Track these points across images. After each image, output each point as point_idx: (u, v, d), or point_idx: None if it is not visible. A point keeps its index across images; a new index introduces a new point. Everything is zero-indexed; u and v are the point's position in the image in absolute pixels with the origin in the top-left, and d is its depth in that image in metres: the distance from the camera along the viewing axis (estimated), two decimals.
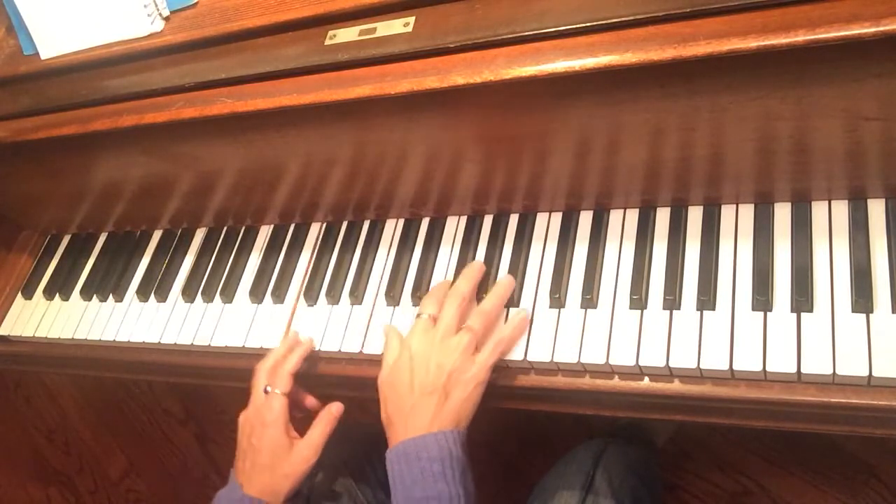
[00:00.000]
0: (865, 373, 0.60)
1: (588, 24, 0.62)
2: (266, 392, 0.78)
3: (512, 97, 0.67)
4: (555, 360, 0.71)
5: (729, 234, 0.72)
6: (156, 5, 0.82)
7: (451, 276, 0.82)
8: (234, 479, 0.77)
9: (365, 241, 0.89)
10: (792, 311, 0.66)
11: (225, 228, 0.99)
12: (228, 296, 0.92)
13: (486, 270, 0.80)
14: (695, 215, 0.75)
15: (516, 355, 0.73)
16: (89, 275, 1.04)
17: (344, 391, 0.78)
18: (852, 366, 0.61)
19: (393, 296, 0.83)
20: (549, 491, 0.83)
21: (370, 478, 0.91)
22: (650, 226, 0.76)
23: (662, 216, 0.76)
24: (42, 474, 1.88)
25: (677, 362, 0.67)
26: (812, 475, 1.21)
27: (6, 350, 1.06)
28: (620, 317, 0.72)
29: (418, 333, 0.73)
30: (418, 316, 0.75)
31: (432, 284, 0.82)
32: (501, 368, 0.74)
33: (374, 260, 0.87)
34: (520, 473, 1.36)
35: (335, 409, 0.79)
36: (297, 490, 0.75)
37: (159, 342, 0.92)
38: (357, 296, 0.85)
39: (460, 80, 0.65)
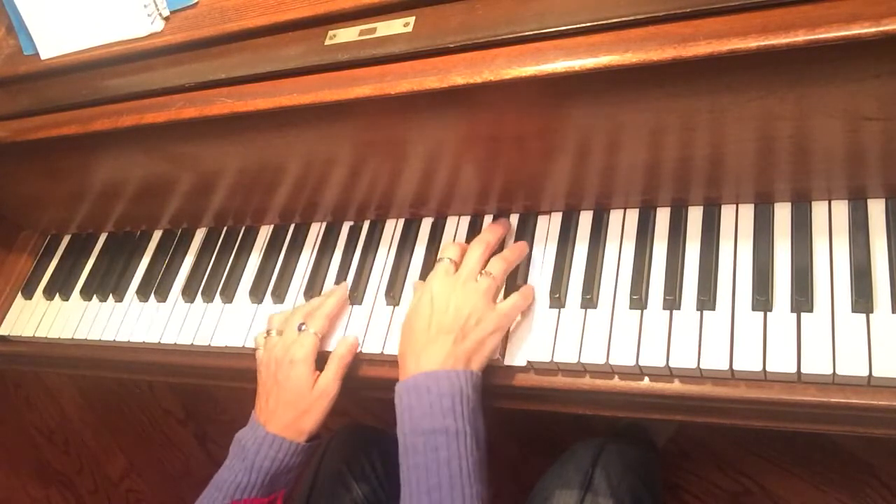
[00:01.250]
0: (865, 373, 0.60)
1: (588, 24, 0.62)
2: (300, 330, 0.78)
3: (512, 97, 0.67)
4: (555, 360, 0.71)
5: (729, 234, 0.72)
6: (156, 5, 0.82)
7: None
8: (254, 419, 0.77)
9: (365, 242, 0.89)
10: (792, 311, 0.66)
11: (225, 228, 0.99)
12: (228, 296, 0.92)
13: None
14: (695, 215, 0.75)
15: (518, 360, 0.73)
16: (89, 275, 1.04)
17: (343, 390, 0.78)
18: (852, 366, 0.61)
19: (393, 296, 0.83)
20: (548, 490, 0.83)
21: (370, 478, 0.91)
22: (650, 226, 0.76)
23: (662, 216, 0.76)
24: (42, 474, 1.88)
25: (677, 362, 0.67)
26: (812, 475, 1.21)
27: (6, 350, 1.06)
28: (620, 317, 0.72)
29: (440, 275, 0.73)
30: (440, 259, 0.75)
31: None
32: (501, 368, 0.74)
33: (374, 260, 0.87)
34: (519, 474, 1.36)
35: (350, 339, 0.79)
36: (318, 429, 0.76)
37: (159, 342, 0.92)
38: (357, 296, 0.85)
39: (460, 80, 0.65)
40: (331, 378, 0.76)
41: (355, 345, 0.80)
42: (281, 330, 0.80)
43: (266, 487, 0.73)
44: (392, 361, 0.80)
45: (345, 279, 0.87)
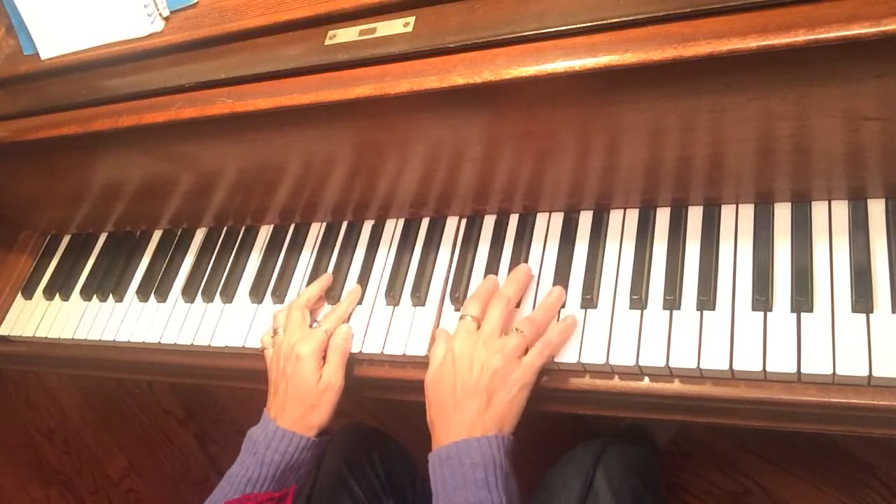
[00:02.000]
0: (865, 373, 0.60)
1: (588, 24, 0.62)
2: (311, 327, 0.80)
3: (512, 97, 0.67)
4: (555, 360, 0.71)
5: (729, 234, 0.72)
6: (156, 5, 0.82)
7: (450, 277, 0.82)
8: (266, 415, 0.77)
9: (365, 241, 0.89)
10: (792, 311, 0.66)
11: (225, 228, 0.99)
12: (228, 296, 0.92)
13: (488, 271, 0.80)
14: (695, 215, 0.75)
15: None
16: (89, 275, 1.04)
17: (344, 390, 0.78)
18: (852, 366, 0.61)
19: (393, 296, 0.83)
20: (549, 492, 0.83)
21: (370, 478, 0.91)
22: (650, 226, 0.76)
23: (662, 216, 0.76)
24: (42, 474, 1.88)
25: (677, 362, 0.67)
26: (812, 475, 1.21)
27: (6, 350, 1.06)
28: (620, 317, 0.72)
29: (462, 334, 0.72)
30: (462, 318, 0.74)
31: (432, 284, 0.82)
32: None
33: (374, 260, 0.87)
34: (519, 474, 1.36)
35: (345, 329, 0.80)
36: (328, 423, 0.76)
37: (159, 342, 0.92)
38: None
39: (460, 80, 0.65)
40: (333, 370, 0.77)
41: (350, 334, 0.81)
42: (286, 327, 0.81)
43: (277, 482, 0.73)
44: (392, 361, 0.80)
45: (345, 279, 0.87)
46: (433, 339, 0.77)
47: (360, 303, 0.85)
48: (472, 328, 0.72)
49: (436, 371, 0.72)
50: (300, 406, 0.75)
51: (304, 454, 0.75)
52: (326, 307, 0.86)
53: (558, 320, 0.73)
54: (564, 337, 0.71)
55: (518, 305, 0.76)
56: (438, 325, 0.79)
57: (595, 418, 0.75)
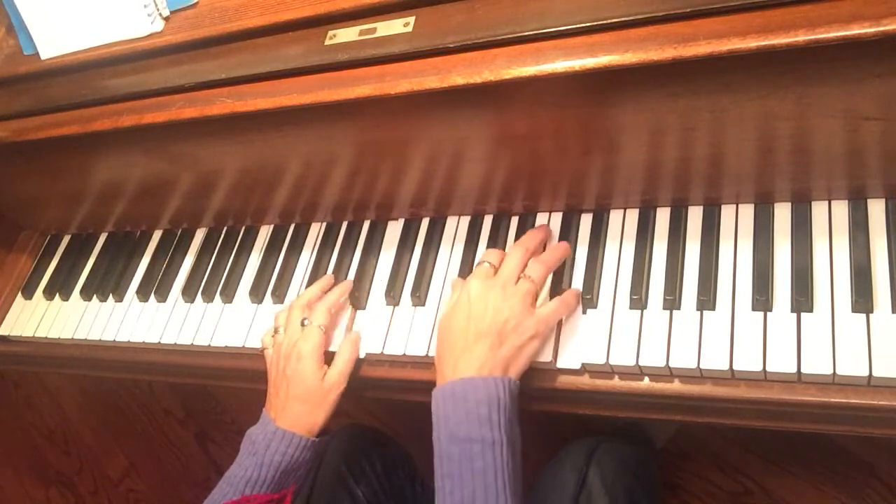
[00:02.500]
0: (865, 373, 0.60)
1: (588, 24, 0.62)
2: (303, 325, 0.79)
3: (512, 97, 0.67)
4: (556, 361, 0.71)
5: (729, 234, 0.72)
6: (156, 5, 0.82)
7: (451, 277, 0.82)
8: (265, 415, 0.77)
9: (365, 241, 0.89)
10: (792, 311, 0.66)
11: (225, 228, 0.99)
12: (228, 296, 0.92)
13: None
14: (695, 215, 0.75)
15: None
16: (89, 275, 1.04)
17: (344, 391, 0.78)
18: (852, 366, 0.61)
19: (393, 296, 0.83)
20: (543, 490, 0.83)
21: (370, 478, 0.91)
22: (650, 226, 0.76)
23: (662, 216, 0.76)
24: (42, 474, 1.88)
25: (677, 362, 0.67)
26: (812, 475, 1.21)
27: (6, 350, 1.06)
28: (620, 317, 0.72)
29: (478, 278, 0.72)
30: (479, 264, 0.74)
31: (432, 284, 0.82)
32: None
33: (373, 260, 0.87)
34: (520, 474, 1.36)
35: (354, 335, 0.80)
36: (327, 424, 0.76)
37: (159, 342, 0.92)
38: (357, 296, 0.85)
39: (460, 80, 0.65)
40: (338, 372, 0.77)
41: (359, 339, 0.80)
42: (286, 326, 0.80)
43: (276, 483, 0.73)
44: (391, 361, 0.80)
45: (345, 279, 0.87)
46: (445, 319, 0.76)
47: (360, 303, 0.85)
48: (489, 273, 0.72)
49: (449, 312, 0.72)
50: (301, 406, 0.75)
51: (303, 454, 0.75)
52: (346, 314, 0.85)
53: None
54: (578, 300, 0.73)
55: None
56: (435, 325, 0.79)
57: (595, 418, 0.75)
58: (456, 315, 0.70)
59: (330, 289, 0.85)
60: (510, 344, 0.68)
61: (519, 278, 0.71)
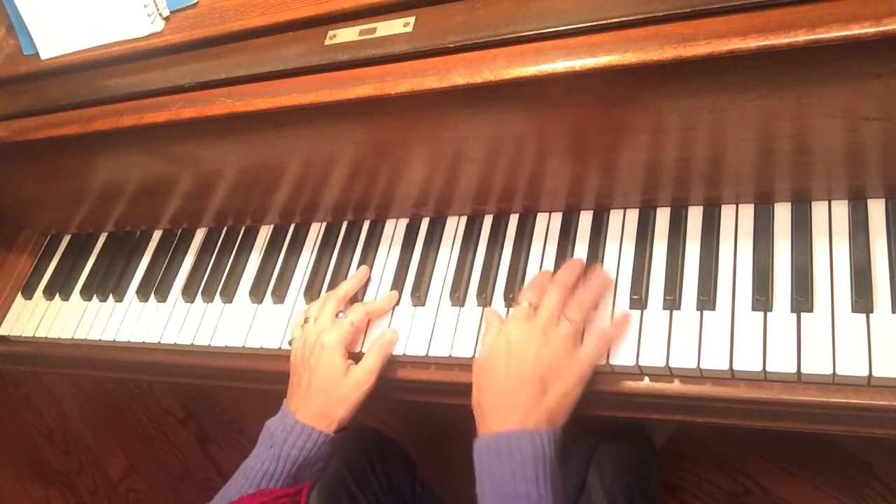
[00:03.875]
0: (865, 373, 0.60)
1: (588, 24, 0.62)
2: (337, 316, 0.78)
3: (512, 97, 0.67)
4: None
5: (729, 234, 0.72)
6: (156, 5, 0.82)
7: (450, 277, 0.82)
8: (285, 406, 0.76)
9: (365, 241, 0.89)
10: (792, 311, 0.66)
11: (225, 228, 0.99)
12: (228, 296, 0.92)
13: (487, 271, 0.80)
14: (695, 215, 0.75)
15: None
16: (89, 275, 1.04)
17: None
18: (852, 366, 0.61)
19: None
20: None
21: (370, 479, 0.91)
22: (650, 226, 0.76)
23: (662, 216, 0.76)
24: (42, 474, 1.88)
25: (677, 362, 0.67)
26: (812, 475, 1.21)
27: (6, 350, 1.06)
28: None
29: (518, 321, 0.70)
30: (517, 304, 0.72)
31: (432, 284, 0.82)
32: None
33: (374, 260, 0.87)
34: None
35: (389, 334, 0.78)
36: (348, 420, 0.74)
37: (159, 342, 0.92)
38: (357, 296, 0.85)
39: (460, 80, 0.65)
40: (368, 368, 0.75)
41: (396, 337, 0.78)
42: (317, 316, 0.79)
43: (293, 477, 0.72)
44: (390, 361, 0.80)
45: (345, 279, 0.87)
46: (488, 324, 0.75)
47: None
48: (528, 315, 0.70)
49: (488, 354, 0.70)
50: (322, 398, 0.73)
51: (321, 450, 0.73)
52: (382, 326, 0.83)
53: (613, 313, 0.72)
54: (622, 331, 0.70)
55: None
56: (435, 325, 0.79)
57: (594, 418, 0.75)
58: (496, 359, 0.68)
59: (365, 281, 0.84)
60: (555, 392, 0.66)
61: (560, 320, 0.69)
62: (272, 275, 0.92)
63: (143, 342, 0.94)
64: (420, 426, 0.72)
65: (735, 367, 0.65)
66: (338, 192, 0.87)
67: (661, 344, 0.68)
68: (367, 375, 0.75)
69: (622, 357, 0.69)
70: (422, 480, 1.01)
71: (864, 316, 0.63)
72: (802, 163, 0.66)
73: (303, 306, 0.87)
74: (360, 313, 0.78)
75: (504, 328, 0.70)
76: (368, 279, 0.85)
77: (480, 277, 0.80)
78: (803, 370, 0.63)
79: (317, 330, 0.77)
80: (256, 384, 0.91)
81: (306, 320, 0.80)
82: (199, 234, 1.01)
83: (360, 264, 0.87)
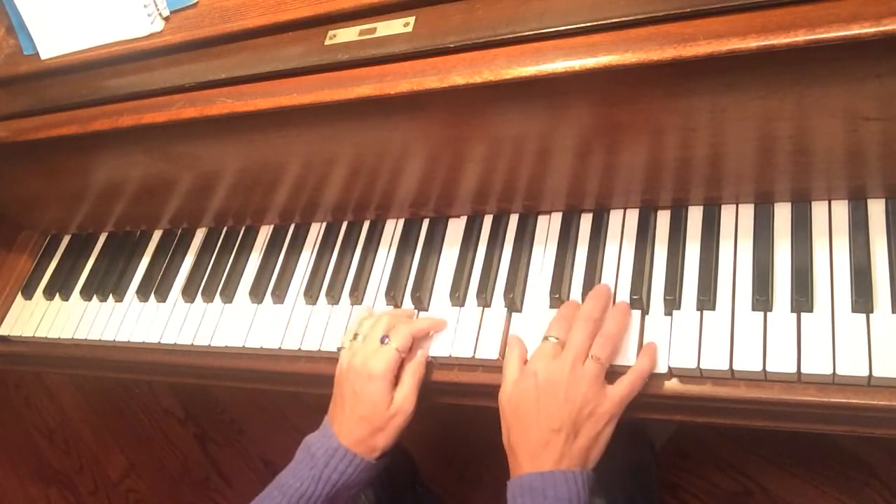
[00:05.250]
0: (865, 373, 0.60)
1: (588, 24, 0.62)
2: (382, 342, 0.75)
3: (512, 97, 0.67)
4: None
5: (729, 234, 0.72)
6: (156, 5, 0.82)
7: (450, 277, 0.82)
8: (328, 426, 0.74)
9: (365, 241, 0.89)
10: (792, 311, 0.66)
11: (225, 228, 0.99)
12: (228, 296, 0.92)
13: (486, 271, 0.80)
14: (695, 215, 0.75)
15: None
16: (89, 275, 1.04)
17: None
18: (852, 366, 0.61)
19: (393, 296, 0.83)
20: None
21: (372, 480, 0.91)
22: (650, 226, 0.76)
23: (662, 216, 0.76)
24: (42, 474, 1.88)
25: (677, 362, 0.67)
26: (812, 475, 1.21)
27: (6, 350, 1.06)
28: None
29: (545, 358, 0.68)
30: (545, 339, 0.70)
31: (432, 284, 0.82)
32: (497, 367, 0.74)
33: (374, 260, 0.87)
34: None
35: (421, 356, 0.76)
36: (391, 447, 0.74)
37: (159, 342, 0.92)
38: (357, 296, 0.85)
39: (460, 80, 0.65)
40: (406, 394, 0.73)
41: (426, 357, 0.76)
42: (368, 335, 0.76)
43: (328, 500, 0.71)
44: None
45: (345, 279, 0.87)
46: (505, 346, 0.74)
47: (359, 303, 0.85)
48: (556, 351, 0.68)
49: (516, 393, 0.68)
50: (366, 427, 0.72)
51: (362, 475, 0.72)
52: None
53: (640, 344, 0.70)
54: (652, 365, 0.68)
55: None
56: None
57: None
58: (525, 401, 0.67)
59: (426, 333, 0.79)
60: (587, 433, 0.65)
61: (588, 354, 0.67)
62: (272, 275, 0.92)
63: (143, 342, 0.94)
64: (421, 426, 0.72)
65: (735, 367, 0.65)
66: (338, 192, 0.87)
67: (662, 344, 0.68)
68: (408, 403, 0.74)
69: (622, 357, 0.69)
70: (423, 481, 1.01)
71: (864, 316, 0.63)
72: (802, 163, 0.66)
73: (303, 306, 0.87)
74: (406, 338, 0.75)
75: (530, 366, 0.69)
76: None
77: (480, 277, 0.80)
78: (803, 370, 0.63)
79: (364, 353, 0.75)
80: (256, 384, 0.91)
81: (356, 336, 0.77)
82: (199, 234, 1.01)
83: (360, 264, 0.87)
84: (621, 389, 0.66)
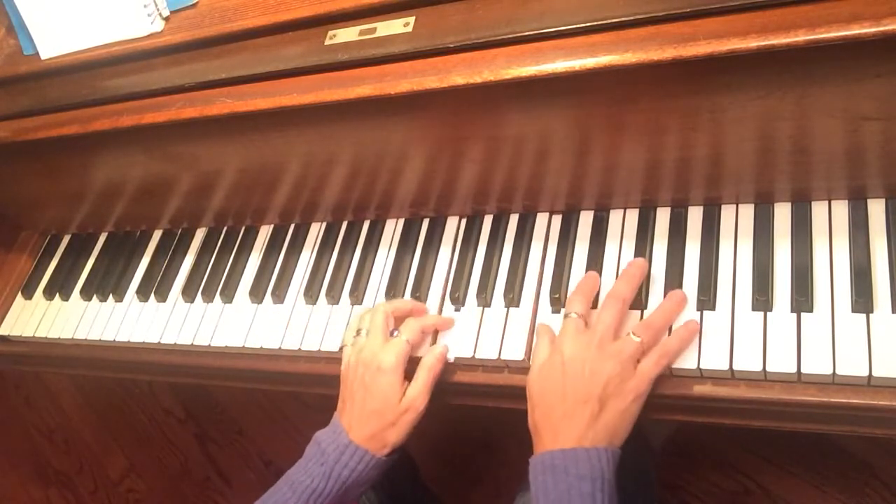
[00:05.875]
0: (865, 373, 0.60)
1: (588, 24, 0.62)
2: (392, 335, 0.74)
3: (512, 97, 0.67)
4: None
5: (729, 234, 0.72)
6: (156, 5, 0.82)
7: (451, 277, 0.82)
8: (337, 422, 0.73)
9: (365, 241, 0.89)
10: (792, 311, 0.66)
11: (225, 228, 0.99)
12: (228, 296, 0.92)
13: (487, 271, 0.80)
14: (695, 215, 0.75)
15: (517, 356, 0.73)
16: (89, 275, 1.04)
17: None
18: (852, 366, 0.61)
19: (393, 296, 0.83)
20: None
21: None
22: (650, 226, 0.76)
23: (662, 216, 0.76)
24: (42, 474, 1.88)
25: (678, 362, 0.67)
26: (812, 475, 1.21)
27: (6, 350, 1.06)
28: None
29: (570, 335, 0.67)
30: (566, 316, 0.69)
31: (432, 284, 0.82)
32: (497, 368, 0.74)
33: (374, 260, 0.87)
34: (519, 473, 1.36)
35: (438, 350, 0.74)
36: (402, 443, 0.72)
37: (159, 342, 0.92)
38: (357, 296, 0.85)
39: (460, 80, 0.65)
40: (419, 390, 0.72)
41: (444, 354, 0.75)
42: (370, 330, 0.75)
43: (338, 496, 0.70)
44: None
45: (345, 279, 0.87)
46: (536, 335, 0.72)
47: (360, 303, 0.85)
48: (580, 327, 0.67)
49: (542, 372, 0.67)
50: (377, 422, 0.71)
51: (372, 472, 0.71)
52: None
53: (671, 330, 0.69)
54: (684, 344, 0.67)
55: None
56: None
57: None
58: (550, 379, 0.66)
59: (418, 312, 0.80)
60: (612, 409, 0.63)
61: (617, 335, 0.66)
62: (272, 275, 0.92)
63: (143, 342, 0.94)
64: (421, 426, 0.72)
65: (735, 367, 0.65)
66: (338, 192, 0.87)
67: None
68: (421, 399, 0.72)
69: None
70: (423, 481, 1.01)
71: (864, 316, 0.63)
72: (802, 163, 0.66)
73: (303, 306, 0.87)
74: (417, 331, 0.75)
75: (557, 345, 0.67)
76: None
77: (480, 277, 0.80)
78: (803, 370, 0.63)
79: (371, 346, 0.74)
80: (256, 384, 0.91)
81: (358, 332, 0.76)
82: (199, 234, 1.01)
83: (360, 264, 0.87)
84: (650, 367, 0.65)
